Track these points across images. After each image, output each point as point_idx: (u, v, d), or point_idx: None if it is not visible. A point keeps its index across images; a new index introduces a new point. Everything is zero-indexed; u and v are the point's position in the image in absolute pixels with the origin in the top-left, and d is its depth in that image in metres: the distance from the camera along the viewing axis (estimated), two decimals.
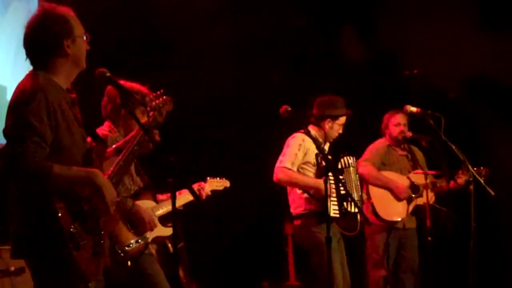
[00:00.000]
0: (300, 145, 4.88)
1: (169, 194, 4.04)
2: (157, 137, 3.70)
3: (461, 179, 5.46)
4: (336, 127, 4.96)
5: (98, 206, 2.88)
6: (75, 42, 2.93)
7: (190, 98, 5.73)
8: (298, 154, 4.86)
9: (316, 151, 4.82)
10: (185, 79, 6.04)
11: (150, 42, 6.23)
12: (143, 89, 3.95)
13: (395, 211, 5.58)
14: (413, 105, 5.43)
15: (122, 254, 3.76)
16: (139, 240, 3.88)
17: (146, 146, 3.51)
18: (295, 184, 4.90)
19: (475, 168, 5.36)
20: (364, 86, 6.77)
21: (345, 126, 5.07)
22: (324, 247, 4.38)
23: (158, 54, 6.21)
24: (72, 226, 2.76)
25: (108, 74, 3.06)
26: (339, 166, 4.87)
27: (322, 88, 6.62)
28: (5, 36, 5.38)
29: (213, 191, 4.63)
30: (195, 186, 4.42)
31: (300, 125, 4.78)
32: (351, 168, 4.91)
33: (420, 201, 5.55)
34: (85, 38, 2.99)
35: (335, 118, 4.94)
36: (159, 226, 4.10)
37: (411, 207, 5.61)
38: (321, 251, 4.54)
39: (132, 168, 3.96)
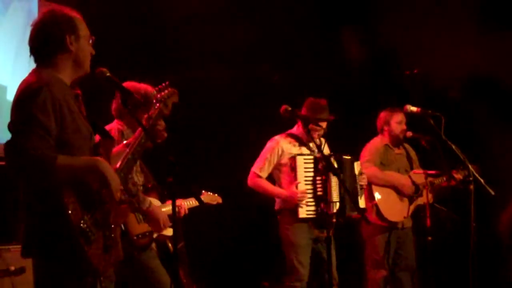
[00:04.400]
0: (273, 148, 5.11)
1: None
2: (164, 132, 3.77)
3: (458, 176, 5.45)
4: (318, 129, 5.09)
5: (104, 195, 2.89)
6: (78, 40, 2.97)
7: (190, 99, 5.71)
8: (270, 158, 5.08)
9: (293, 152, 5.01)
10: (184, 80, 6.03)
11: (150, 43, 6.23)
12: (147, 88, 4.00)
13: (398, 211, 5.56)
14: (413, 105, 5.39)
15: (130, 245, 3.85)
16: (147, 233, 3.99)
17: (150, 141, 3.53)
18: (263, 192, 5.12)
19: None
20: (364, 85, 6.76)
21: (345, 126, 5.15)
22: (292, 247, 4.94)
23: (157, 55, 6.20)
24: (82, 221, 2.77)
25: (108, 74, 3.10)
26: (319, 167, 4.97)
27: (322, 87, 6.67)
28: (5, 36, 5.36)
29: (207, 204, 4.80)
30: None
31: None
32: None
33: (420, 200, 5.54)
34: (90, 41, 3.03)
35: (319, 121, 5.06)
36: None
37: (412, 207, 5.59)
38: (289, 250, 4.98)
39: (137, 165, 4.00)
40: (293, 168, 5.00)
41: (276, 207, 5.15)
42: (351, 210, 5.02)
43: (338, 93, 6.64)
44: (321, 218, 4.95)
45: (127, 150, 3.41)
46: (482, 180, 5.19)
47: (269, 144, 5.14)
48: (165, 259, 4.30)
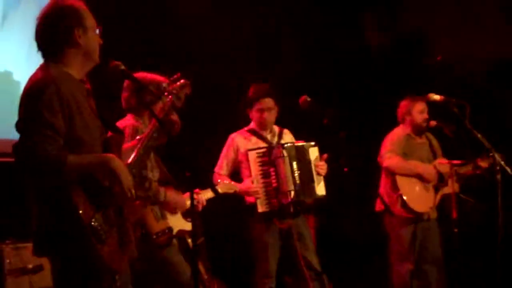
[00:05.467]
0: (229, 146, 5.12)
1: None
2: (177, 126, 3.77)
3: (484, 164, 5.35)
4: (260, 114, 5.03)
5: (116, 192, 2.87)
6: (86, 33, 2.93)
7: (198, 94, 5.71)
8: (227, 155, 5.10)
9: (248, 147, 5.00)
10: (203, 72, 5.93)
11: (156, 38, 6.17)
12: (161, 79, 3.95)
13: (424, 201, 5.46)
14: (436, 93, 5.25)
15: (151, 243, 3.88)
16: (166, 230, 3.98)
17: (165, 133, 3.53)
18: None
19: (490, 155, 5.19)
20: (385, 73, 6.67)
21: (365, 115, 5.07)
22: (260, 245, 4.91)
23: (162, 51, 6.09)
24: (93, 220, 2.75)
25: (122, 67, 3.09)
26: (271, 158, 4.95)
27: (340, 76, 6.60)
28: (18, 31, 5.35)
29: (224, 194, 4.75)
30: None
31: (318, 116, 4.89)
32: (284, 157, 4.95)
33: (446, 190, 5.43)
34: (97, 31, 3.00)
35: (253, 105, 5.04)
36: (182, 220, 4.22)
37: (438, 197, 5.49)
38: (256, 248, 4.95)
39: (153, 161, 3.97)
40: (248, 163, 5.00)
41: (247, 203, 5.10)
42: (305, 197, 5.00)
43: (358, 82, 6.70)
44: (281, 209, 4.95)
45: (139, 145, 3.39)
46: (509, 169, 5.03)
47: (226, 142, 5.16)
48: (185, 255, 4.26)
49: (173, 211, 4.09)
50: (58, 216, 2.72)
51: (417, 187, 5.47)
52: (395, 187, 5.42)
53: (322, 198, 5.11)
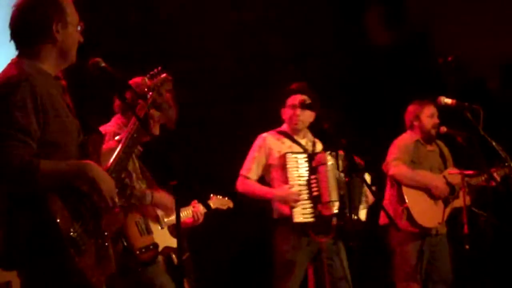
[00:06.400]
0: (260, 146, 4.83)
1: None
2: (158, 125, 3.76)
3: (498, 175, 5.15)
4: (293, 111, 4.80)
5: (96, 202, 2.78)
6: (66, 28, 2.80)
7: (196, 90, 5.57)
8: (257, 157, 4.81)
9: (283, 150, 4.75)
10: (190, 70, 5.79)
11: (150, 30, 5.96)
12: (143, 82, 3.78)
13: (432, 215, 5.21)
14: (447, 96, 5.01)
15: (133, 260, 3.78)
16: (151, 246, 3.89)
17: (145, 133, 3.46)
18: (254, 196, 4.77)
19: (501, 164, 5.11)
20: (392, 74, 6.49)
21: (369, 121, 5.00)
22: (286, 266, 4.59)
23: (153, 42, 5.91)
24: (72, 230, 2.65)
25: (102, 64, 2.99)
26: (313, 165, 4.68)
27: (343, 78, 6.46)
28: None
29: (216, 209, 4.59)
30: (189, 208, 4.38)
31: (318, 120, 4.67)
32: (328, 165, 4.66)
33: (456, 203, 5.20)
34: (79, 28, 2.87)
35: (286, 101, 4.82)
36: (169, 236, 4.09)
37: (448, 211, 5.24)
38: (282, 268, 4.64)
39: (138, 171, 3.92)
40: (284, 168, 4.68)
41: (275, 215, 4.76)
42: (350, 211, 4.58)
43: (361, 84, 6.52)
44: (320, 221, 4.64)
45: (119, 147, 3.23)
46: None
47: (256, 142, 4.86)
48: (170, 271, 4.13)
49: (168, 213, 3.97)
50: (33, 225, 2.59)
51: (425, 199, 5.23)
52: (401, 198, 5.20)
53: (363, 223, 4.79)
